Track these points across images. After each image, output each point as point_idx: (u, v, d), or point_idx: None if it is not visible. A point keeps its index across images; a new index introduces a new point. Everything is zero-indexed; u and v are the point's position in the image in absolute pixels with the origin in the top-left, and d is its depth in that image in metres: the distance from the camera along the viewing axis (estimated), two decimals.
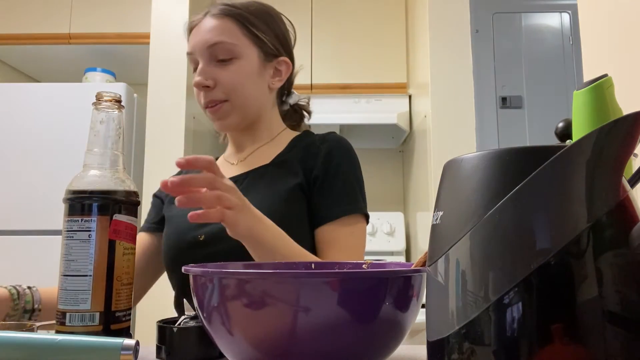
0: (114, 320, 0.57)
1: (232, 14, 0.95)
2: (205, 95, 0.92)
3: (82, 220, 0.57)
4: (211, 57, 0.92)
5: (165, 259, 0.95)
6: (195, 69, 0.95)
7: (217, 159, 1.08)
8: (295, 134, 1.03)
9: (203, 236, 0.88)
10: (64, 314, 0.56)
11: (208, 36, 0.93)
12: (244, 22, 0.95)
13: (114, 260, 0.58)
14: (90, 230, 0.57)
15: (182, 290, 0.93)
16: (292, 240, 0.77)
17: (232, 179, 0.90)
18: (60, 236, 0.60)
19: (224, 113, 0.93)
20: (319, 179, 0.92)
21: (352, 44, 2.64)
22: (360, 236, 0.92)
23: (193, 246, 0.88)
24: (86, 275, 0.56)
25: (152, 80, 2.16)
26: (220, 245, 0.85)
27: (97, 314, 0.56)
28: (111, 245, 0.58)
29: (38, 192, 2.10)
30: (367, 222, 0.95)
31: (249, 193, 0.87)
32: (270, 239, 0.73)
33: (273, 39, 0.98)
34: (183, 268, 0.49)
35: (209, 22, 0.94)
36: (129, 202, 0.61)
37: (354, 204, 0.91)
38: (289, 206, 0.89)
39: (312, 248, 0.90)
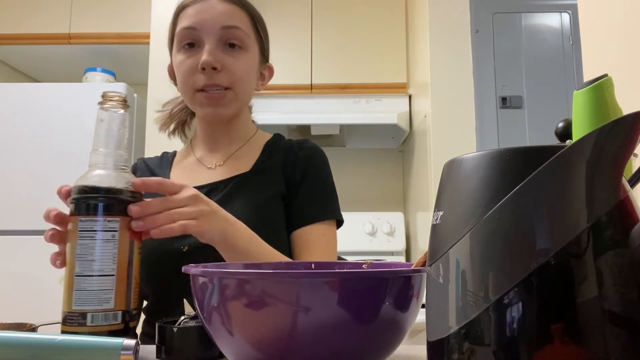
0: (131, 318, 0.59)
1: (244, 6, 0.93)
2: (208, 77, 0.87)
3: (105, 220, 0.57)
4: (222, 40, 0.88)
5: (143, 268, 0.90)
6: (187, 45, 0.89)
7: (174, 153, 1.05)
8: (267, 136, 1.03)
9: (187, 247, 0.85)
10: (83, 314, 0.55)
11: (223, 17, 0.88)
12: (254, 17, 0.95)
13: (133, 259, 0.59)
14: (114, 230, 0.57)
15: (157, 300, 0.91)
16: (265, 243, 0.78)
17: (211, 185, 0.92)
18: None
19: (225, 100, 0.90)
20: (298, 183, 0.93)
21: (352, 44, 2.64)
22: (334, 240, 0.94)
23: (176, 257, 0.84)
24: (110, 275, 0.57)
25: (152, 80, 2.16)
26: (204, 256, 0.81)
27: (120, 313, 0.57)
28: (130, 245, 0.59)
29: (38, 192, 2.10)
30: (339, 227, 0.96)
31: (231, 202, 0.88)
32: (242, 242, 0.74)
33: (267, 43, 1.00)
34: (183, 268, 0.49)
35: (221, 4, 0.90)
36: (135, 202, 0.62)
37: (331, 210, 0.93)
38: (270, 215, 0.89)
39: (289, 254, 0.90)
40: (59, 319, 0.58)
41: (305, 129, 2.67)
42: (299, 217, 0.91)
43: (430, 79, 2.09)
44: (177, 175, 0.99)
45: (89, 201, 0.58)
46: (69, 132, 2.17)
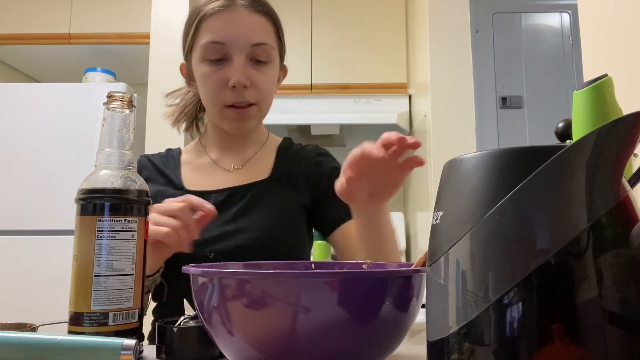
0: (140, 315, 0.60)
1: (268, 13, 0.91)
2: (237, 95, 0.87)
3: (125, 221, 0.58)
4: (249, 56, 0.88)
5: (168, 274, 0.85)
6: (213, 61, 0.87)
7: (179, 151, 1.03)
8: (277, 139, 1.04)
9: (212, 254, 0.85)
10: (104, 314, 0.55)
11: (252, 34, 0.87)
12: (278, 26, 0.93)
13: (145, 258, 0.60)
14: (133, 231, 0.58)
15: (179, 305, 0.91)
16: None
17: (231, 189, 0.92)
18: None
19: (251, 116, 0.90)
20: (327, 190, 0.92)
21: (352, 44, 2.64)
22: None
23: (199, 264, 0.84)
24: (130, 274, 0.57)
25: (152, 80, 2.16)
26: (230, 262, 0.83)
27: (137, 311, 0.58)
28: (144, 245, 0.61)
29: (38, 192, 2.10)
30: None
31: (252, 209, 0.89)
32: None
33: (285, 45, 0.98)
34: (183, 268, 0.49)
35: (249, 16, 0.88)
36: (149, 202, 0.63)
37: None
38: (293, 224, 0.91)
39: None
40: (59, 319, 0.58)
41: (305, 129, 2.67)
42: (335, 218, 0.93)
43: (430, 79, 2.09)
44: (191, 176, 0.97)
45: (112, 201, 0.58)
46: (69, 132, 2.17)
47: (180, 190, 0.93)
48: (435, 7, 2.13)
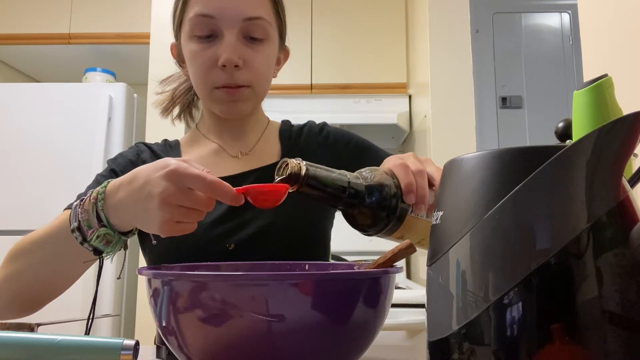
0: None
1: None
2: (228, 76, 0.79)
3: None
4: (242, 32, 0.79)
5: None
6: (202, 37, 0.80)
7: (177, 142, 0.94)
8: (276, 124, 0.98)
9: (233, 245, 0.78)
10: None
11: (245, 7, 0.79)
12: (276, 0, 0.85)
13: None
14: None
15: None
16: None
17: (242, 175, 0.86)
18: None
19: (244, 97, 0.82)
20: (350, 150, 0.94)
21: (352, 44, 2.64)
22: None
23: (220, 257, 0.76)
24: None
25: (152, 80, 2.15)
26: (252, 256, 0.77)
27: None
28: None
29: (38, 192, 2.10)
30: None
31: None
32: None
33: (285, 24, 0.90)
34: (137, 270, 0.48)
35: None
36: None
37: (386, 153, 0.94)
38: (311, 209, 0.85)
39: (327, 251, 0.88)
40: (59, 318, 0.58)
41: None
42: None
43: (430, 79, 2.09)
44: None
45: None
46: (69, 132, 2.17)
47: None
48: (435, 7, 2.13)
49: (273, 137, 0.95)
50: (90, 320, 0.66)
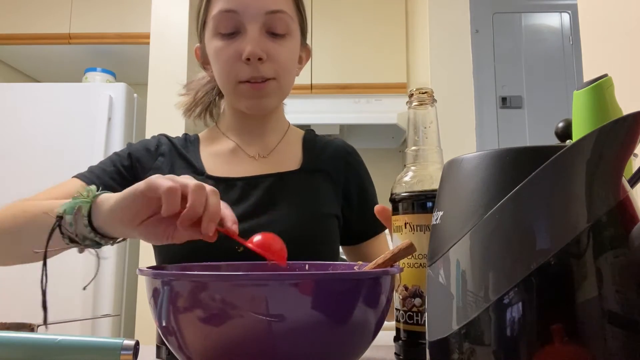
0: None
1: None
2: (252, 69, 0.79)
3: None
4: (265, 27, 0.80)
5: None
6: (226, 35, 0.81)
7: (197, 137, 0.95)
8: (299, 131, 0.98)
9: (241, 248, 0.79)
10: None
11: (267, 0, 0.80)
12: None
13: None
14: None
15: None
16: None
17: (259, 177, 0.86)
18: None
19: (269, 92, 0.82)
20: (358, 196, 0.92)
21: (352, 44, 2.64)
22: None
23: (230, 258, 0.75)
24: None
25: (152, 80, 2.15)
26: (261, 258, 0.78)
27: None
28: None
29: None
30: None
31: (279, 200, 0.84)
32: None
33: (306, 21, 0.90)
34: (137, 270, 0.48)
35: None
36: None
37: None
38: (325, 222, 0.87)
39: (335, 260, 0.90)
40: (59, 318, 0.58)
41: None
42: (366, 230, 0.92)
43: (430, 79, 2.10)
44: (212, 162, 0.90)
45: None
46: (69, 132, 2.17)
47: (201, 175, 0.86)
48: (435, 7, 2.13)
49: (295, 143, 0.94)
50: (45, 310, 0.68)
